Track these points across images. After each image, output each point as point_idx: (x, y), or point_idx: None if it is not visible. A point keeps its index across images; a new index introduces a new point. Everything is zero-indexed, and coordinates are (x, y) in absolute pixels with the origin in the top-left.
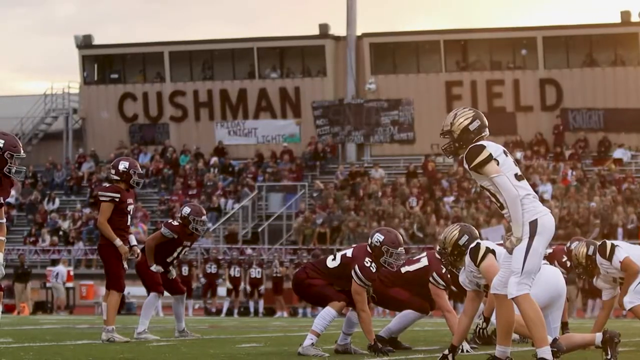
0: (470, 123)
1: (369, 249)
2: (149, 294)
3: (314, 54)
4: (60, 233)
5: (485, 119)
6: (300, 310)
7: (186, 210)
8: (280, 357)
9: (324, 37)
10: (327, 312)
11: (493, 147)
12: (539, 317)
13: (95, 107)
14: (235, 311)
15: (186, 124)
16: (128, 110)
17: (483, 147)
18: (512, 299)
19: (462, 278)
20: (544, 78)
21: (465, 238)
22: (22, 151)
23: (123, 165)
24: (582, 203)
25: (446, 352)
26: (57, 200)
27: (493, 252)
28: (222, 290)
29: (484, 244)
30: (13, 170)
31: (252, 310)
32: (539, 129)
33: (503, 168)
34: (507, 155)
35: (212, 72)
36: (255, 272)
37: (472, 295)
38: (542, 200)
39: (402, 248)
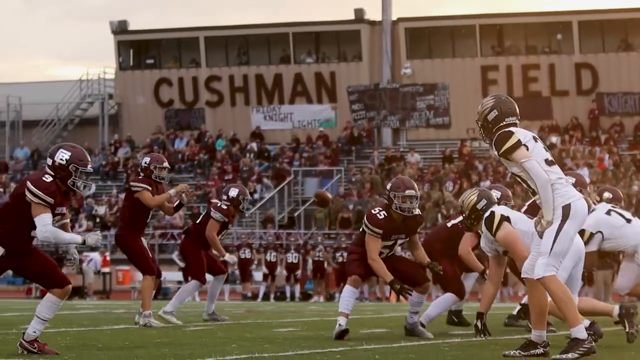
0: (489, 113)
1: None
2: (186, 280)
3: (349, 39)
4: (97, 219)
5: (509, 107)
6: (337, 295)
7: (234, 191)
8: (317, 341)
9: (359, 22)
10: (345, 291)
11: (522, 133)
12: (568, 297)
13: (131, 93)
14: (272, 296)
15: (222, 109)
16: (164, 96)
17: (511, 133)
18: (539, 279)
19: (483, 243)
20: (579, 62)
21: (483, 202)
22: (89, 166)
23: (144, 161)
24: (620, 188)
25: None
26: (93, 186)
27: (508, 219)
28: (258, 275)
29: (499, 212)
30: (78, 184)
31: (288, 295)
32: (574, 113)
33: (533, 154)
34: (537, 141)
35: (247, 57)
36: (292, 257)
37: (495, 262)
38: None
39: (412, 190)
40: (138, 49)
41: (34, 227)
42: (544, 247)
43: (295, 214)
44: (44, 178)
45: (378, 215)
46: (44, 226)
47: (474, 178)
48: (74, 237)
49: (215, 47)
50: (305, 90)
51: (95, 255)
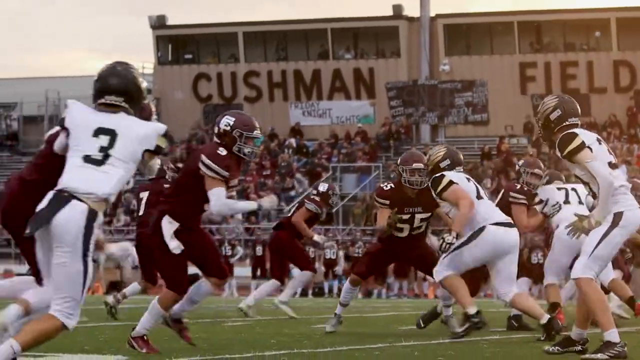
0: (551, 112)
1: None
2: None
3: (387, 35)
4: (135, 214)
5: (572, 107)
6: (375, 291)
7: (323, 186)
8: (355, 337)
9: (397, 18)
10: (345, 285)
11: (586, 135)
12: (602, 301)
13: (169, 88)
14: (310, 292)
15: (260, 105)
16: (202, 91)
17: (575, 135)
18: (575, 279)
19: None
20: (617, 59)
21: (446, 162)
22: (255, 131)
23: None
24: None
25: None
26: (131, 181)
27: (457, 184)
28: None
29: (449, 177)
30: (245, 151)
31: (326, 290)
32: (612, 110)
33: (596, 156)
34: (600, 144)
35: (286, 52)
36: (330, 252)
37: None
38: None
39: (419, 164)
40: (176, 44)
41: (205, 202)
42: (586, 247)
43: (334, 210)
44: (218, 151)
45: (384, 187)
46: (219, 199)
47: (512, 175)
48: (249, 204)
49: (254, 42)
50: (343, 86)
51: (134, 250)
